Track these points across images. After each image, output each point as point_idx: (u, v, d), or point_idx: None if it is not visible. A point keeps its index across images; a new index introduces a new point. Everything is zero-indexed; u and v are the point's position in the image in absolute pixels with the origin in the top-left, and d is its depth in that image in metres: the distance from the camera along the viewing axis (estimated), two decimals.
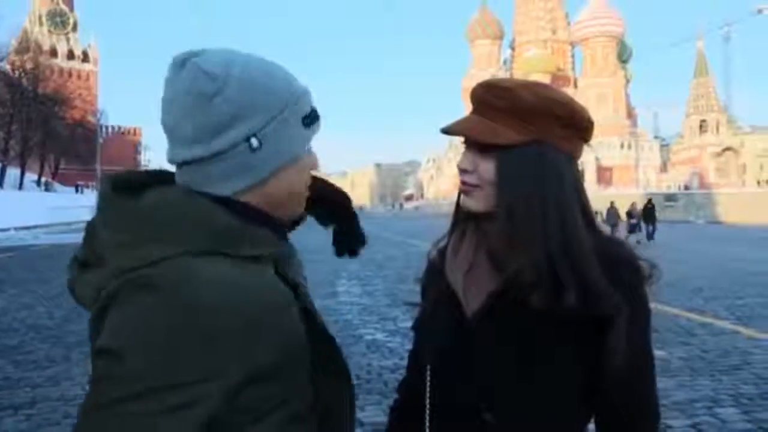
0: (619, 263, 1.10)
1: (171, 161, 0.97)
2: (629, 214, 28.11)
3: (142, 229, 0.88)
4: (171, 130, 0.94)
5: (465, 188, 1.14)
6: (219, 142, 0.91)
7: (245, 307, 0.85)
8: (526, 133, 1.08)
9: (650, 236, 27.10)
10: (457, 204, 1.22)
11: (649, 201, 29.48)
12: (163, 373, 0.80)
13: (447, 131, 1.16)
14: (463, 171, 1.14)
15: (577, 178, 1.14)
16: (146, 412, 0.79)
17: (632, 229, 27.19)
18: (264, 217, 0.96)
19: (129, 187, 0.93)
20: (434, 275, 1.23)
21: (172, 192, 0.93)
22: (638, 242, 24.06)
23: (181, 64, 0.92)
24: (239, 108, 0.91)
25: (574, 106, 1.12)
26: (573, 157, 1.14)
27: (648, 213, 28.10)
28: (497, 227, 1.11)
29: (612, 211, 27.96)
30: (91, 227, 0.93)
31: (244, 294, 0.86)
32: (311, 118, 0.99)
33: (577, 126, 1.12)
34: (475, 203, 1.13)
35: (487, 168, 1.10)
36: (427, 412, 1.18)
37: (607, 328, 1.05)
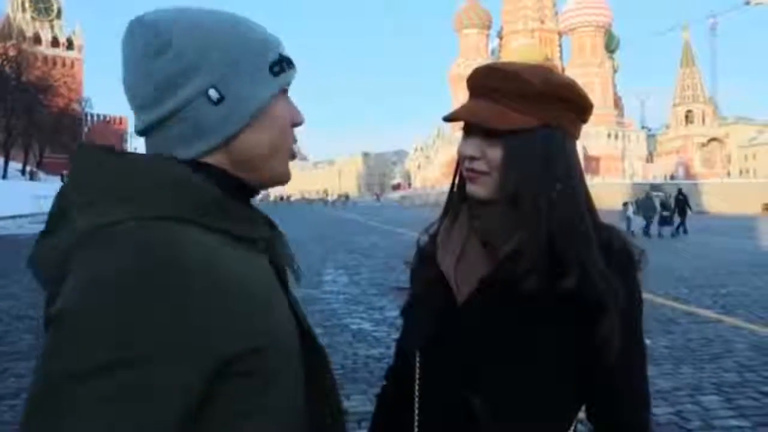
0: (614, 250, 1.10)
1: (136, 132, 0.89)
2: (662, 205, 25.72)
3: (114, 188, 0.79)
4: (130, 97, 0.87)
5: (472, 175, 1.13)
6: (173, 101, 0.83)
7: (214, 280, 0.76)
8: (532, 116, 1.09)
9: (683, 229, 25.13)
10: (451, 189, 1.22)
11: (680, 191, 27.31)
12: (117, 345, 0.68)
13: (452, 117, 1.14)
14: (469, 158, 1.12)
15: (579, 163, 1.16)
16: (94, 393, 0.66)
17: (664, 221, 25.03)
18: (238, 184, 0.88)
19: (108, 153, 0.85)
20: (424, 260, 1.23)
21: (153, 156, 0.85)
22: (672, 235, 23.64)
23: (131, 26, 0.86)
24: (192, 59, 0.83)
25: (578, 89, 1.13)
26: (574, 138, 1.15)
27: (679, 204, 26.09)
28: (499, 210, 1.11)
29: (647, 201, 25.58)
30: (60, 193, 0.83)
31: (214, 265, 0.77)
32: (280, 66, 0.90)
33: (580, 109, 1.14)
34: (483, 190, 1.12)
35: (496, 154, 1.10)
36: (417, 396, 1.18)
37: (599, 314, 1.05)
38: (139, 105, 0.86)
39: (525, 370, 1.08)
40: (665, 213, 25.31)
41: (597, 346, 1.07)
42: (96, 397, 0.66)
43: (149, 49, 0.83)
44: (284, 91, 0.92)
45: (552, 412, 1.11)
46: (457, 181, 1.21)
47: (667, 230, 24.40)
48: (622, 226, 22.89)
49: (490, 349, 1.09)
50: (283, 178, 0.95)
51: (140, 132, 0.88)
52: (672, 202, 26.23)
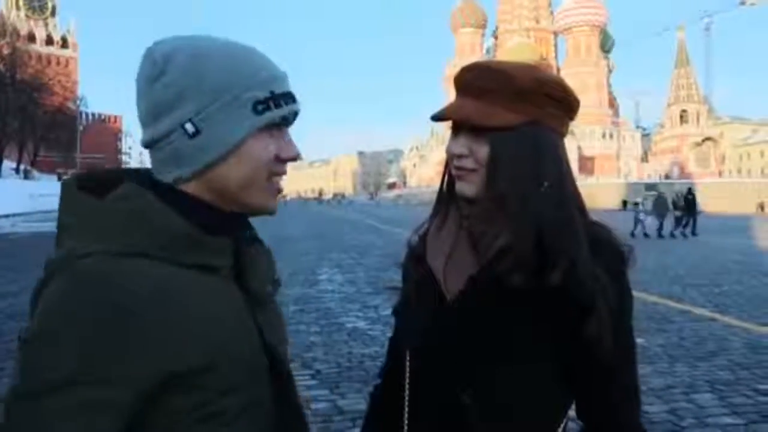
0: (603, 247, 1.10)
1: (141, 145, 0.96)
2: (674, 205, 24.70)
3: (87, 223, 0.87)
4: (137, 113, 0.95)
5: (460, 173, 1.13)
6: (161, 126, 0.90)
7: (163, 309, 0.82)
8: (520, 114, 1.09)
9: (692, 230, 23.99)
10: (440, 188, 1.22)
11: (689, 191, 25.62)
12: (67, 369, 0.77)
13: (440, 116, 1.14)
14: (457, 156, 1.12)
15: (567, 160, 1.15)
16: (44, 410, 0.76)
17: (679, 221, 24.01)
18: (214, 214, 0.92)
19: (98, 185, 0.90)
20: (415, 260, 1.23)
21: (129, 188, 0.89)
22: (684, 235, 23.00)
23: (145, 51, 0.93)
24: (177, 93, 0.89)
25: (565, 87, 1.14)
26: (562, 135, 1.15)
27: (688, 204, 24.50)
28: (487, 209, 1.10)
29: (660, 201, 24.29)
30: (57, 220, 0.92)
31: (162, 296, 0.83)
32: (266, 104, 0.91)
33: (567, 106, 1.14)
34: (471, 188, 1.12)
35: (484, 151, 1.10)
36: (407, 395, 1.18)
37: (588, 312, 1.05)
38: (140, 123, 0.94)
39: (514, 368, 1.08)
40: (678, 213, 24.38)
41: (587, 344, 1.07)
42: (32, 415, 0.77)
43: (148, 75, 0.90)
44: (272, 127, 0.93)
45: (542, 410, 1.11)
46: (446, 180, 1.22)
47: (679, 231, 23.63)
48: (625, 227, 22.64)
49: (479, 348, 1.09)
50: (262, 211, 0.97)
51: (143, 146, 0.95)
52: (682, 201, 25.03)
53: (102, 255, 0.83)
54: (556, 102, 1.12)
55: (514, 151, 1.09)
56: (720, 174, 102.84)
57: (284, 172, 0.98)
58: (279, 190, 0.98)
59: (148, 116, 0.92)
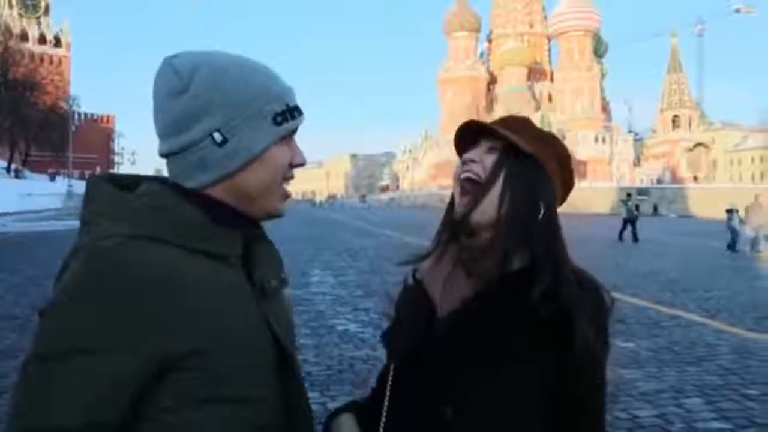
0: (587, 292, 1.13)
1: (159, 154, 1.03)
2: None
3: (107, 212, 0.95)
4: (155, 125, 1.02)
5: (465, 186, 1.18)
6: (187, 136, 0.98)
7: (169, 289, 0.90)
8: (534, 149, 1.17)
9: None
10: (443, 223, 1.25)
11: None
12: (71, 337, 0.85)
13: (471, 125, 1.22)
14: (470, 161, 1.18)
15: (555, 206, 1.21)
16: (44, 374, 0.85)
17: None
18: (231, 212, 1.01)
19: (126, 182, 1.01)
20: (410, 294, 1.26)
21: (152, 185, 1.00)
22: None
23: (163, 65, 1.01)
24: (204, 104, 0.97)
25: (570, 154, 1.24)
26: (555, 193, 1.20)
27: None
28: (485, 239, 1.15)
29: (757, 208, 20.06)
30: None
31: (171, 277, 0.91)
32: (284, 116, 1.01)
33: (566, 168, 1.22)
34: (469, 206, 1.16)
35: (491, 160, 1.17)
36: (385, 409, 1.19)
37: (570, 324, 1.07)
38: (159, 134, 1.02)
39: (496, 385, 1.10)
40: None
41: (572, 363, 1.09)
42: (44, 377, 0.85)
43: (172, 89, 0.98)
44: (287, 137, 1.03)
45: (520, 428, 1.13)
46: (451, 205, 1.25)
47: None
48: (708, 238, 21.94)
49: (464, 365, 1.12)
50: (274, 214, 1.07)
51: (161, 156, 1.03)
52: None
53: (120, 237, 0.91)
54: (559, 159, 1.21)
55: (519, 169, 1.15)
56: (696, 179, 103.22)
57: (293, 177, 1.08)
58: (287, 195, 1.07)
59: (171, 127, 0.99)
